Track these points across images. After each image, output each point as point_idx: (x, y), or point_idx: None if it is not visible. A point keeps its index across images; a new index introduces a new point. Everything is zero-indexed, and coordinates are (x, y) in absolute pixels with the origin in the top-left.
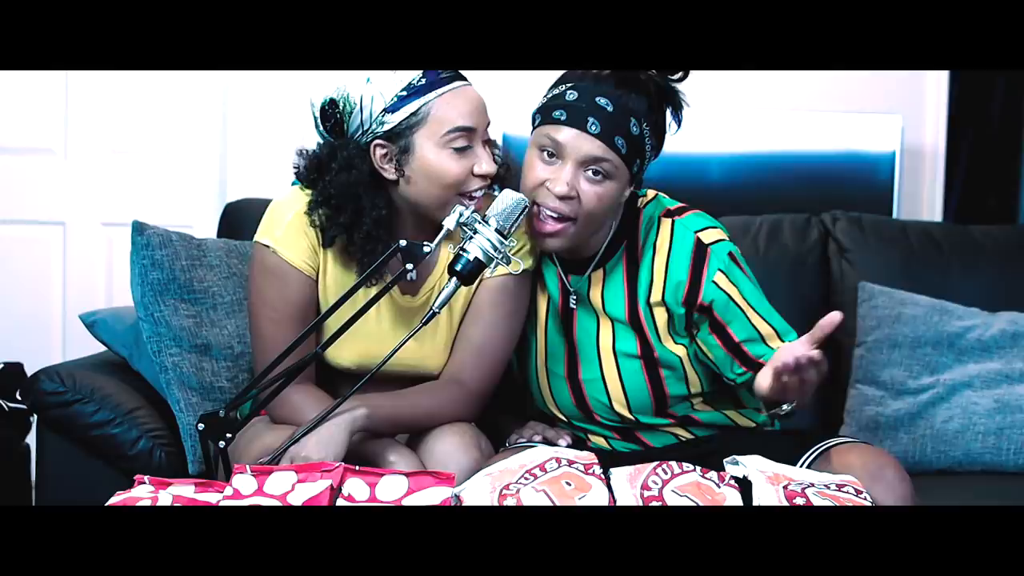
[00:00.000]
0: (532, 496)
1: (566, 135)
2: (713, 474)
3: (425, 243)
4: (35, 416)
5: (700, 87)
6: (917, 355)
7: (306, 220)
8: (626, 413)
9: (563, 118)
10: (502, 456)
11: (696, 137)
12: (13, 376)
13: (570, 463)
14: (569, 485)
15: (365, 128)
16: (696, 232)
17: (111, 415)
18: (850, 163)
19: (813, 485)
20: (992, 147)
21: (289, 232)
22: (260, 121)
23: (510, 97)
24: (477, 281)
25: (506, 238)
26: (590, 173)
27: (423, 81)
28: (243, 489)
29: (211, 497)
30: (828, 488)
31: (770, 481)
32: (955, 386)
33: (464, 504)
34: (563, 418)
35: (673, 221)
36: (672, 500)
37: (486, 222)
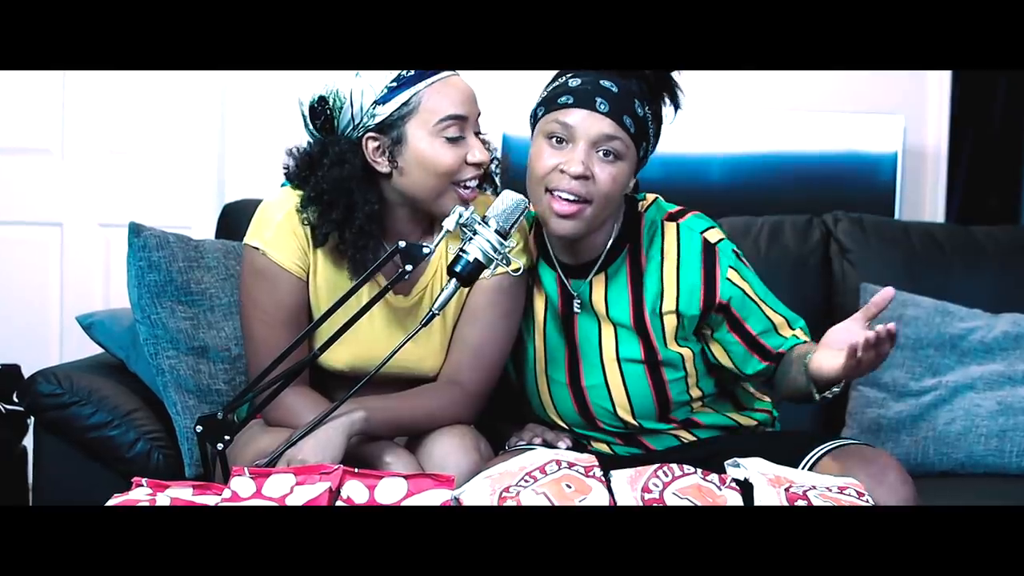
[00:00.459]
0: (532, 499)
1: (576, 117)
2: (714, 476)
3: (424, 244)
4: (32, 418)
5: (701, 87)
6: (919, 357)
7: (296, 220)
8: (630, 419)
9: (571, 101)
10: (501, 459)
11: (697, 138)
12: (10, 378)
13: (570, 465)
14: (569, 487)
15: (356, 122)
16: (701, 233)
17: (108, 417)
18: (852, 164)
19: (815, 488)
20: (994, 147)
21: (279, 234)
22: (259, 121)
23: (510, 97)
24: None
25: (506, 239)
26: (601, 154)
27: (412, 72)
28: (241, 492)
29: (209, 500)
30: (830, 491)
31: (771, 484)
32: (957, 388)
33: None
34: (564, 425)
35: (678, 225)
36: (673, 503)
37: (486, 223)
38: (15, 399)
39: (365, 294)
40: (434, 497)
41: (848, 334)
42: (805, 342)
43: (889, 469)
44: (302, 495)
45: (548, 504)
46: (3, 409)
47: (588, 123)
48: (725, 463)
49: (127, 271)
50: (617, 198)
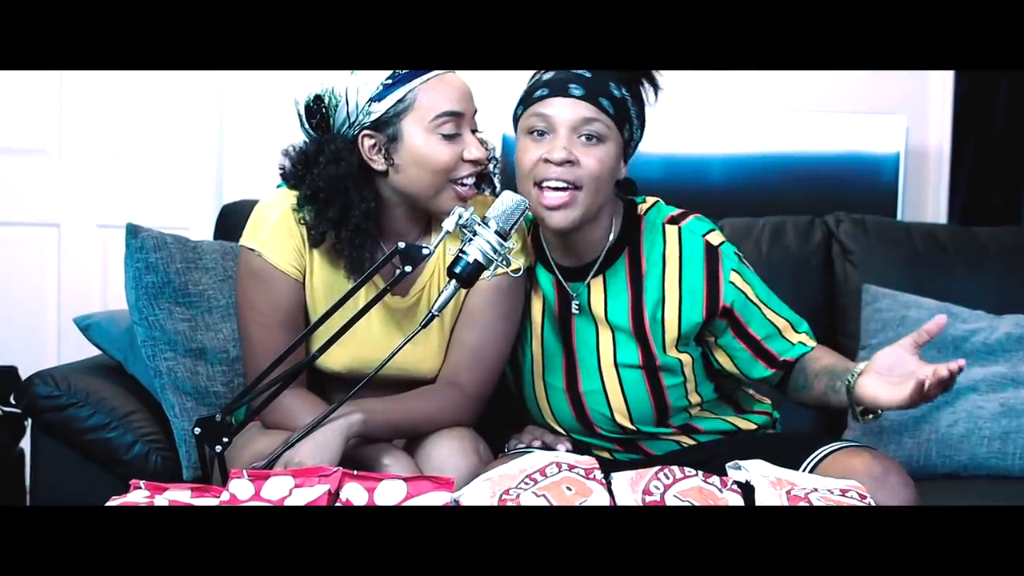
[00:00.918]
0: (532, 501)
1: (552, 106)
2: (715, 479)
3: (424, 245)
4: (29, 420)
5: (703, 88)
6: (921, 358)
7: (293, 220)
8: (627, 424)
9: (546, 92)
10: (501, 461)
11: (698, 138)
12: (7, 380)
13: (571, 468)
14: (570, 490)
15: (352, 120)
16: (703, 236)
17: (106, 419)
18: (854, 164)
19: (816, 490)
20: (997, 147)
21: (275, 235)
22: (258, 122)
23: (510, 98)
24: None
25: (506, 240)
26: (583, 138)
27: (408, 69)
28: (240, 494)
29: (208, 502)
30: (831, 493)
31: (773, 486)
32: (960, 390)
33: None
34: (563, 432)
35: (679, 228)
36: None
37: (486, 224)
38: (12, 401)
39: (362, 295)
40: (434, 500)
41: (900, 361)
42: (813, 347)
43: (891, 471)
44: (301, 498)
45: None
46: (0, 411)
47: (565, 109)
48: (726, 465)
49: (125, 272)
50: (607, 182)
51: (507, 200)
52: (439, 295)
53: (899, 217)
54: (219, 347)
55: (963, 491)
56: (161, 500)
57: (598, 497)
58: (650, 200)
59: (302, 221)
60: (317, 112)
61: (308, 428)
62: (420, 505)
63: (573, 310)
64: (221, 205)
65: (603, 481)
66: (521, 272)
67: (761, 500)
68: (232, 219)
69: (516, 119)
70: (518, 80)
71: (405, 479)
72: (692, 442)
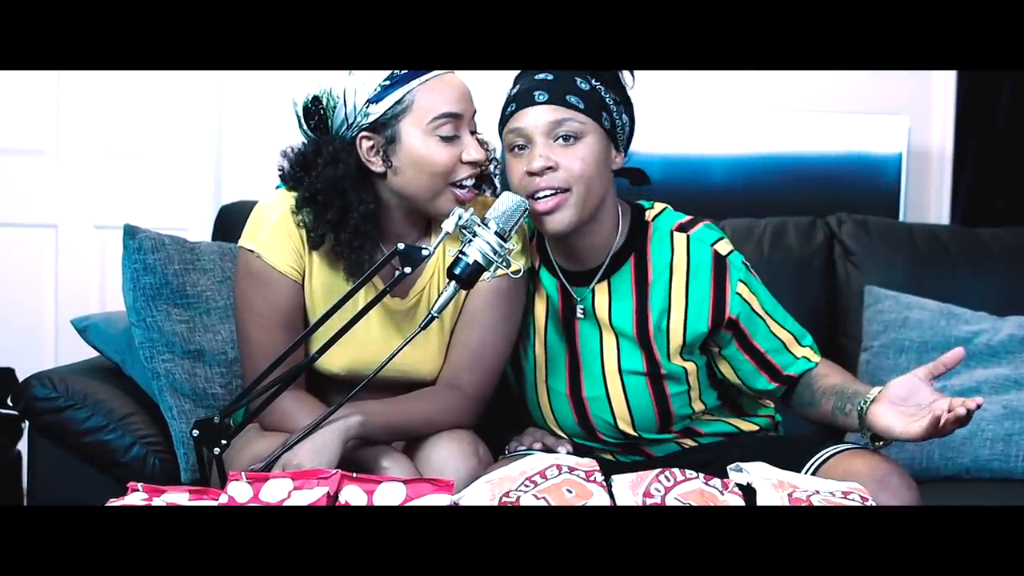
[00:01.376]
0: (532, 504)
1: (522, 117)
2: (717, 481)
3: (423, 246)
4: (27, 422)
5: (704, 88)
6: (924, 360)
7: (292, 222)
8: (630, 431)
9: (514, 108)
10: (501, 463)
11: (699, 138)
12: (4, 381)
13: (571, 470)
14: (570, 492)
15: (350, 122)
16: (712, 245)
17: (104, 421)
18: (856, 165)
19: (818, 492)
20: (1000, 148)
21: (274, 236)
22: (257, 122)
23: None
24: None
25: (506, 241)
26: (560, 141)
27: (406, 70)
28: (238, 497)
29: (206, 504)
30: (833, 496)
31: (775, 488)
32: (963, 392)
33: None
34: (565, 436)
35: (688, 236)
36: None
37: (485, 225)
38: (9, 403)
39: (362, 297)
40: (433, 502)
41: (914, 391)
42: (817, 363)
43: (893, 473)
44: (299, 500)
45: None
46: None
47: (533, 118)
48: (728, 468)
49: (122, 273)
50: (597, 177)
51: (507, 201)
52: (439, 296)
53: (901, 218)
54: (217, 349)
55: (965, 493)
56: (159, 503)
57: (598, 500)
58: (659, 206)
59: (301, 223)
60: (315, 113)
61: (307, 430)
62: (419, 505)
63: (578, 314)
64: (219, 206)
65: (604, 484)
66: (521, 273)
67: (763, 503)
68: (231, 220)
69: (500, 134)
70: None
71: (404, 481)
72: (693, 444)
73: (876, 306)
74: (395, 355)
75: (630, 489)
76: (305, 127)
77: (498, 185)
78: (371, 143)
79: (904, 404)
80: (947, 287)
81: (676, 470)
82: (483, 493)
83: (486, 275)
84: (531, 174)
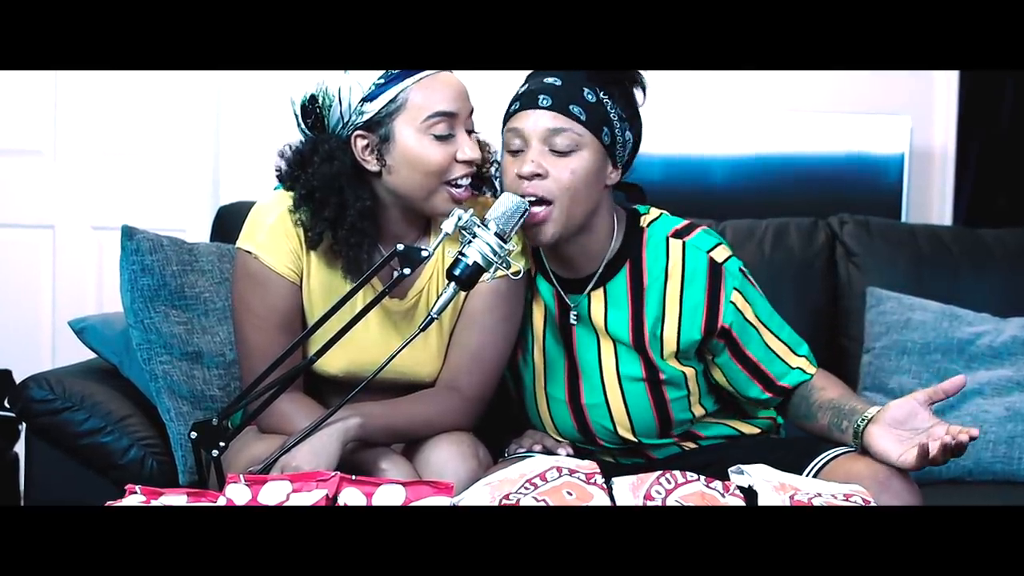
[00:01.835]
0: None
1: (522, 119)
2: (718, 484)
3: (423, 247)
4: (24, 424)
5: (705, 88)
6: (926, 362)
7: (290, 222)
8: (630, 436)
9: (517, 107)
10: (501, 466)
11: (700, 139)
12: (1, 383)
13: (571, 472)
14: (570, 495)
15: (345, 120)
16: (708, 252)
17: (101, 423)
18: (858, 165)
19: (820, 495)
20: (1002, 148)
21: (271, 237)
22: (255, 122)
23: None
24: None
25: (506, 242)
26: (555, 149)
27: (404, 68)
28: (237, 499)
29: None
30: (835, 498)
31: (776, 491)
32: (965, 394)
33: None
34: (564, 442)
35: (684, 243)
36: None
37: (485, 226)
38: (6, 405)
39: (360, 298)
40: (433, 504)
41: (912, 415)
42: (812, 375)
43: (895, 476)
44: (298, 502)
45: None
46: None
47: (533, 121)
48: (729, 470)
49: (120, 275)
50: (585, 191)
51: (507, 202)
52: (438, 297)
53: (903, 219)
54: (215, 350)
55: (968, 496)
56: (156, 505)
57: (599, 502)
58: (655, 212)
59: (299, 222)
60: (312, 112)
61: (305, 432)
62: (419, 506)
63: (571, 320)
64: (217, 207)
65: (604, 486)
66: (521, 274)
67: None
68: (229, 221)
69: (502, 133)
70: (520, 81)
71: (404, 484)
72: (694, 446)
73: (878, 307)
74: (394, 357)
75: (631, 492)
76: (303, 126)
77: (498, 186)
78: (366, 142)
79: (901, 427)
80: (949, 288)
81: (677, 472)
82: (483, 495)
83: (486, 276)
84: (520, 177)
